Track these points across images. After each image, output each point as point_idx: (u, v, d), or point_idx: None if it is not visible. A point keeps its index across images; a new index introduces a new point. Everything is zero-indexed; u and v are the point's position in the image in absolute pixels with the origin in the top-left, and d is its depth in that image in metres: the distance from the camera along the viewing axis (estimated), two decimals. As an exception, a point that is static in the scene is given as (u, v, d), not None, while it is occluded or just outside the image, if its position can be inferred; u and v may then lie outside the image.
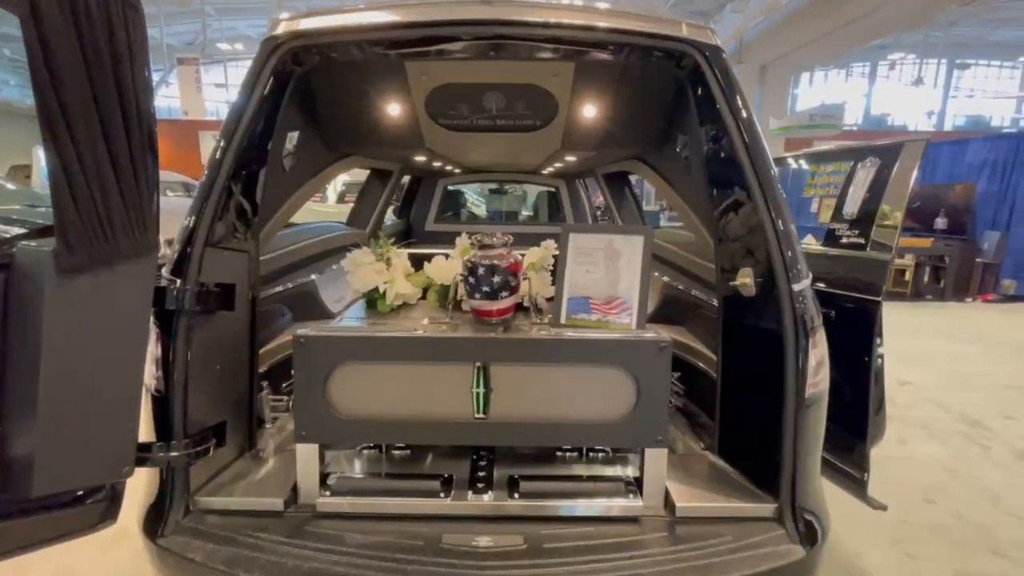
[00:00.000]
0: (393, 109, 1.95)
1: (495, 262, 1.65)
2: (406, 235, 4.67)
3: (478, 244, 1.71)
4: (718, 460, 1.64)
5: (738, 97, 1.51)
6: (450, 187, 4.79)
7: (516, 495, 1.46)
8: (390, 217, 4.34)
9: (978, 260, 8.27)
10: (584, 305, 1.63)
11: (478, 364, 1.44)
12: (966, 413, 4.39)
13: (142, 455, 1.31)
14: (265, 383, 1.81)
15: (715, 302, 1.73)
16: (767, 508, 1.44)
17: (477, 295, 1.67)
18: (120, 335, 1.12)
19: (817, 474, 1.48)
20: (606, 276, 1.62)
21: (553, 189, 4.93)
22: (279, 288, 2.03)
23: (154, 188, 1.12)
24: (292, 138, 1.81)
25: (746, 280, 1.53)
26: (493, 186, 5.72)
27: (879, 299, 1.60)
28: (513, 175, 4.59)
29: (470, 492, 1.47)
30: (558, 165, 3.28)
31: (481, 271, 1.65)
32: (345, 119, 2.01)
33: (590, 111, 1.93)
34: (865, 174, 1.95)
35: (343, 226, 3.13)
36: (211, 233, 1.45)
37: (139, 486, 1.42)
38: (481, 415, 1.46)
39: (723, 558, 1.30)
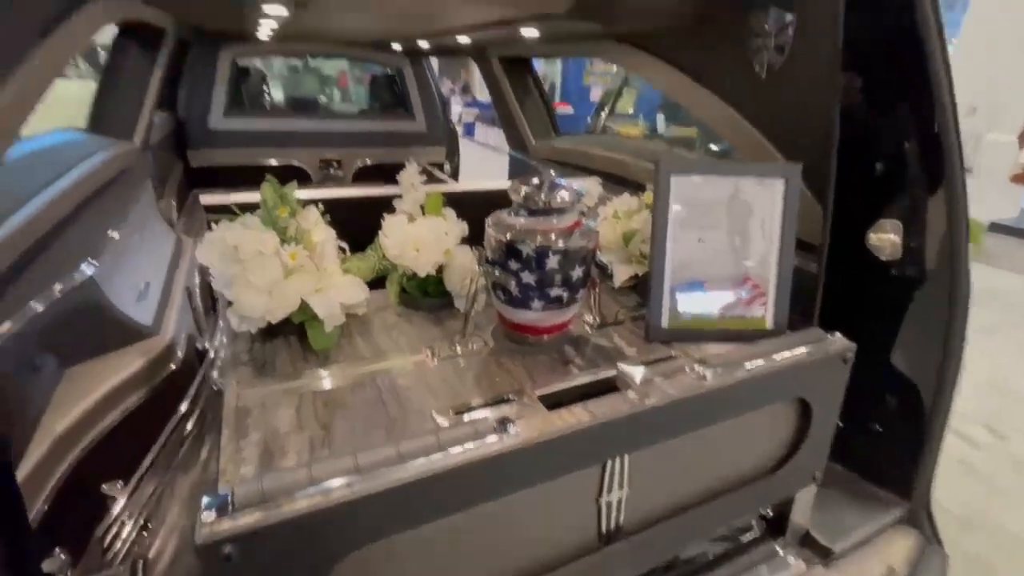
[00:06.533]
0: None
1: (569, 242, 0.88)
2: (177, 140, 3.04)
3: (521, 199, 0.88)
4: None
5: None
6: (242, 61, 3.20)
7: None
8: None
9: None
10: (696, 295, 1.01)
11: (613, 458, 0.75)
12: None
13: None
14: (60, 555, 0.77)
15: (801, 266, 1.29)
16: (898, 511, 1.20)
17: (537, 302, 0.90)
18: None
19: None
20: (730, 245, 1.01)
21: (390, 71, 3.73)
22: (4, 322, 0.85)
23: None
24: None
25: (892, 238, 1.11)
26: (293, 62, 4.14)
27: None
28: (348, 48, 3.23)
29: None
30: (466, 39, 2.19)
31: (551, 262, 0.86)
32: None
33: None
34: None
35: (85, 136, 1.67)
36: None
37: None
38: (612, 530, 0.81)
39: None
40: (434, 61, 3.92)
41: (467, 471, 0.62)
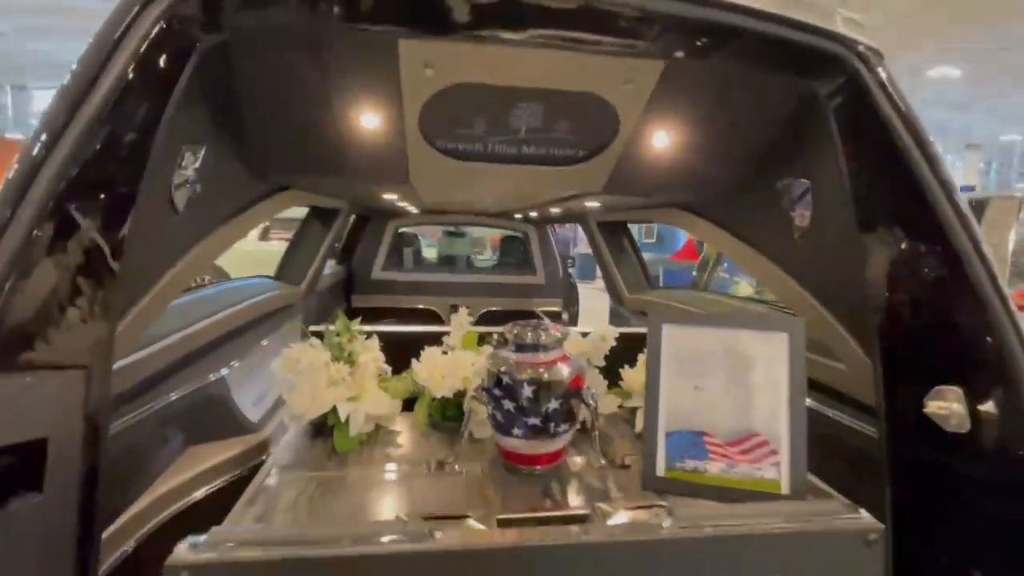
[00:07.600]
0: (369, 121, 1.25)
1: (547, 375, 0.98)
2: (347, 286, 3.85)
3: (512, 337, 1.03)
4: None
5: (917, 123, 1.00)
6: (402, 229, 4.07)
7: None
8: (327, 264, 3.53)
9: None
10: (695, 446, 0.99)
11: None
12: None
13: None
14: None
15: (864, 429, 1.15)
16: None
17: (517, 430, 0.98)
18: None
19: None
20: (730, 397, 1.00)
21: (519, 235, 4.35)
22: (159, 402, 1.22)
23: None
24: (192, 157, 1.07)
25: (953, 407, 0.97)
26: (448, 228, 5.07)
27: None
28: (480, 218, 3.95)
29: None
30: (557, 210, 2.66)
31: (527, 392, 0.97)
32: (289, 132, 1.28)
33: (662, 140, 1.35)
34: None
35: (270, 281, 2.31)
36: None
37: None
38: None
39: None
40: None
41: (390, 562, 0.71)
